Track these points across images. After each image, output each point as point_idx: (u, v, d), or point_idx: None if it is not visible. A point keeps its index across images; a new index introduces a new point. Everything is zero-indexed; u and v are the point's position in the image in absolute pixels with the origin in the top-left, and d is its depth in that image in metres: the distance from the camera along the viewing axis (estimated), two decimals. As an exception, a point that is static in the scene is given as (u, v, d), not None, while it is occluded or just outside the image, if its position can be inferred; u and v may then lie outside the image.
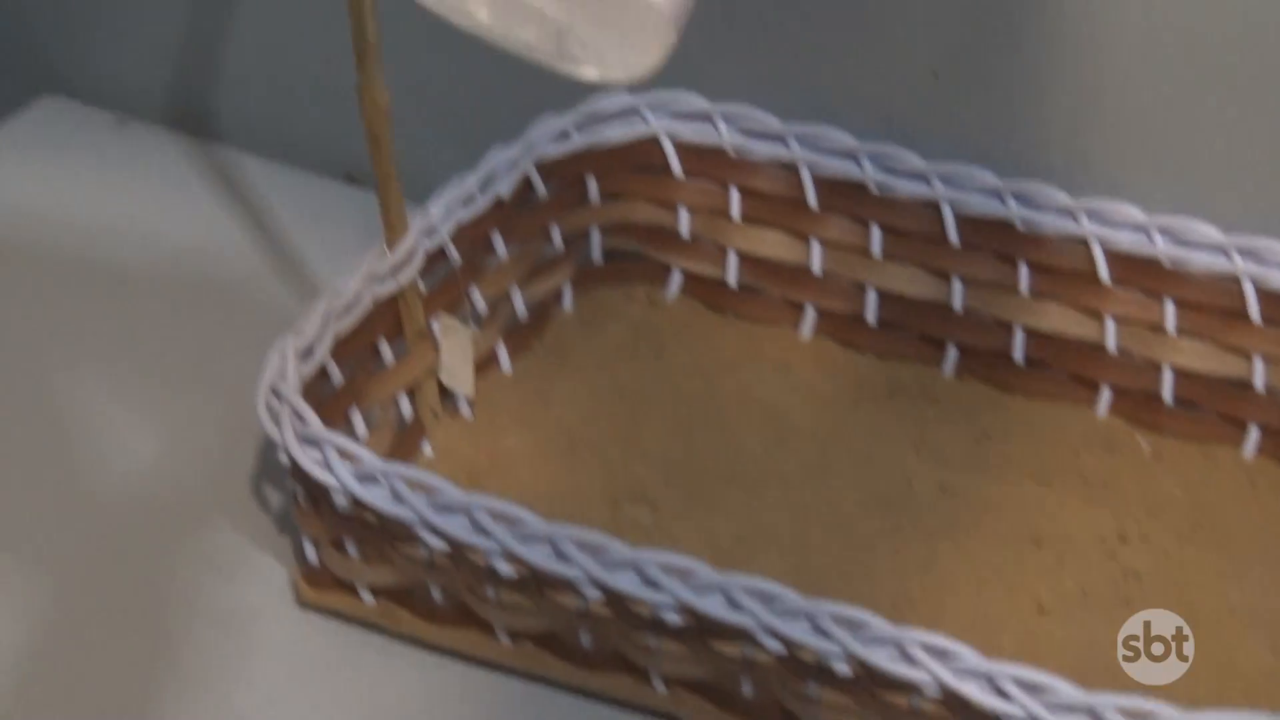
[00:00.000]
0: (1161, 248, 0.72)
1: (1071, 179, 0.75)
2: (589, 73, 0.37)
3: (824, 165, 0.75)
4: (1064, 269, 0.73)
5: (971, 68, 0.78)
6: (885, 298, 0.76)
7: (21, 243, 0.86)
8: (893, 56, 0.79)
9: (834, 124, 0.76)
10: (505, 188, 0.74)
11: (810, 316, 0.78)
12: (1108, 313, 0.73)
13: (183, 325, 0.82)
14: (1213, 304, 0.72)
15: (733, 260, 0.78)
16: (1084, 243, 0.72)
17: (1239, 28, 0.71)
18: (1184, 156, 0.76)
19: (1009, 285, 0.74)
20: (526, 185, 0.75)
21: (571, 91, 0.77)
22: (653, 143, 0.77)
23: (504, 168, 0.74)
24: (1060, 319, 0.74)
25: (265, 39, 0.91)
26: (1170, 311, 0.72)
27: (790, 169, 0.76)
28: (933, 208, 0.74)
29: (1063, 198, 0.73)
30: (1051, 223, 0.73)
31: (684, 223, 0.78)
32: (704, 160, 0.77)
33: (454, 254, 0.72)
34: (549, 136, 0.76)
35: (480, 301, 0.74)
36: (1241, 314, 0.71)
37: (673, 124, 0.77)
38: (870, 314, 0.77)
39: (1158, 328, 0.73)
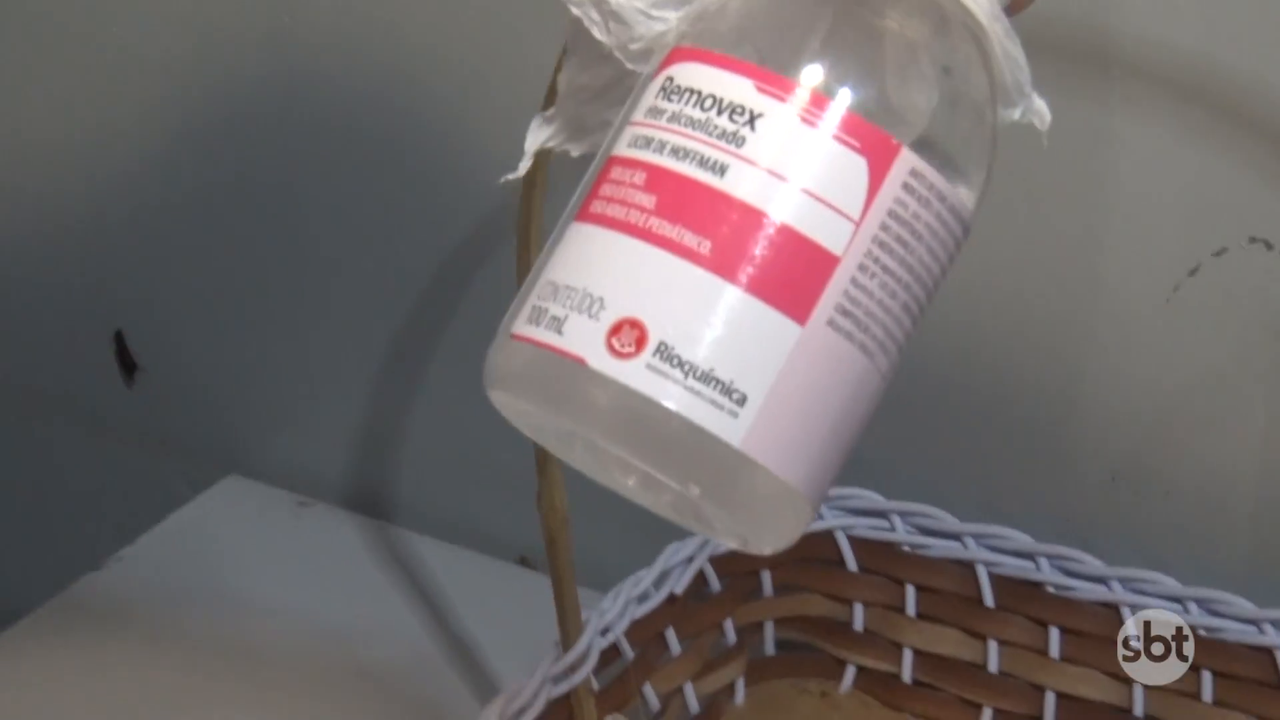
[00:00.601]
0: None
1: (1256, 589, 0.74)
2: (730, 543, 0.37)
3: (1001, 565, 0.76)
4: (1244, 676, 0.73)
5: (1150, 472, 0.79)
6: (1063, 699, 0.76)
7: (199, 620, 0.87)
8: (1071, 459, 0.80)
9: (1011, 524, 0.76)
10: (680, 584, 0.73)
11: (988, 716, 0.77)
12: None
13: (353, 712, 0.82)
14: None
15: (908, 656, 0.78)
16: (1269, 654, 0.72)
17: None
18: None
19: (1190, 692, 0.74)
20: (701, 580, 0.75)
21: None
22: (828, 537, 0.78)
23: (680, 564, 0.74)
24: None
25: (443, 426, 0.93)
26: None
27: (967, 567, 0.77)
28: (1113, 610, 0.74)
29: (1248, 607, 0.72)
30: (1236, 631, 0.72)
31: (859, 617, 0.78)
32: (879, 556, 0.78)
33: (628, 651, 0.71)
34: None
35: (653, 697, 0.73)
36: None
37: (849, 519, 0.78)
38: (1049, 716, 0.76)
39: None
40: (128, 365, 1.02)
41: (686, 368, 0.33)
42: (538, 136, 0.41)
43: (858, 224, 0.34)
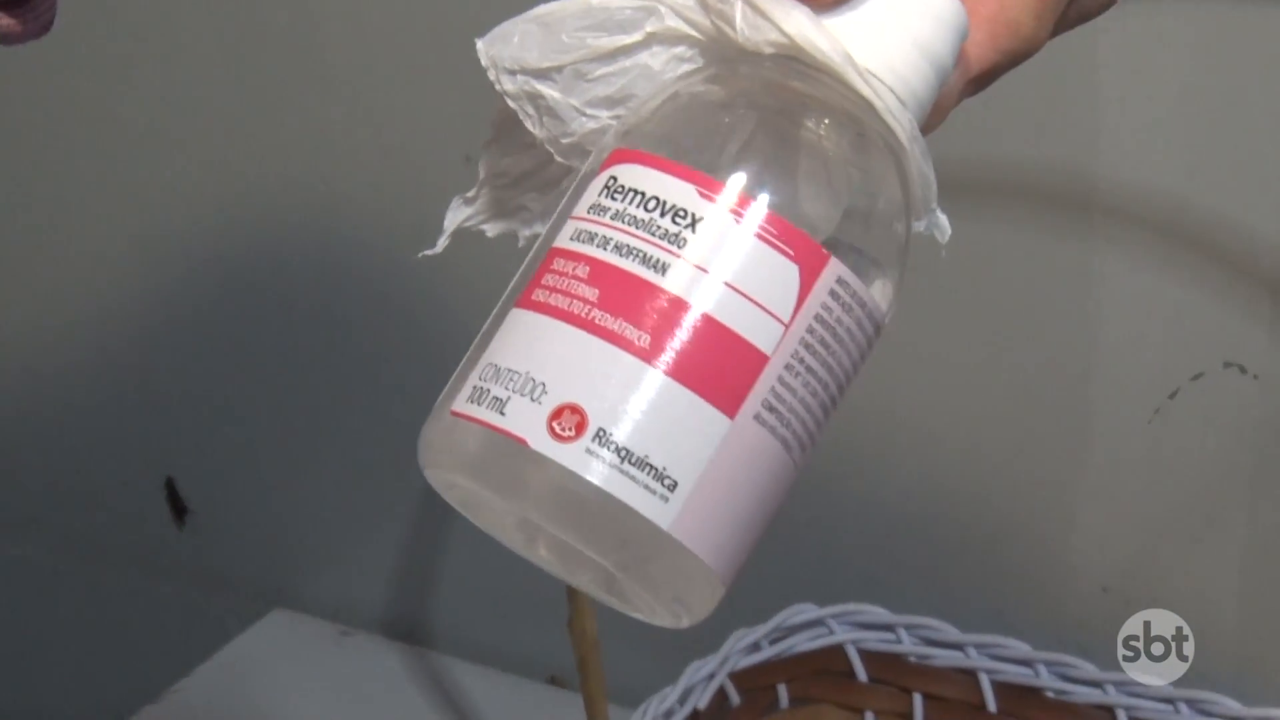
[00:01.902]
0: None
1: (1243, 688, 0.74)
2: (639, 616, 0.36)
3: (1002, 672, 0.75)
4: None
5: (1140, 584, 0.79)
6: None
7: None
8: (1066, 573, 0.80)
9: (1011, 634, 0.75)
10: (703, 700, 0.72)
11: None
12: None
13: None
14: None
15: None
16: None
17: None
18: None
19: None
20: (722, 695, 0.74)
21: (764, 607, 0.77)
22: (839, 651, 0.77)
23: (701, 681, 0.73)
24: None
25: (474, 556, 0.92)
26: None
27: (970, 675, 0.76)
28: (1108, 711, 0.74)
29: (1234, 705, 0.72)
30: None
31: None
32: (887, 667, 0.77)
33: None
34: (743, 649, 0.75)
35: None
36: None
37: (858, 633, 0.77)
38: None
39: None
40: (179, 509, 1.03)
41: (623, 453, 0.33)
42: (457, 215, 0.40)
43: (787, 326, 0.34)
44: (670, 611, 0.35)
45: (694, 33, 0.36)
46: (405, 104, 0.87)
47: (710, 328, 0.33)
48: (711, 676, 0.74)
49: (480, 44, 0.37)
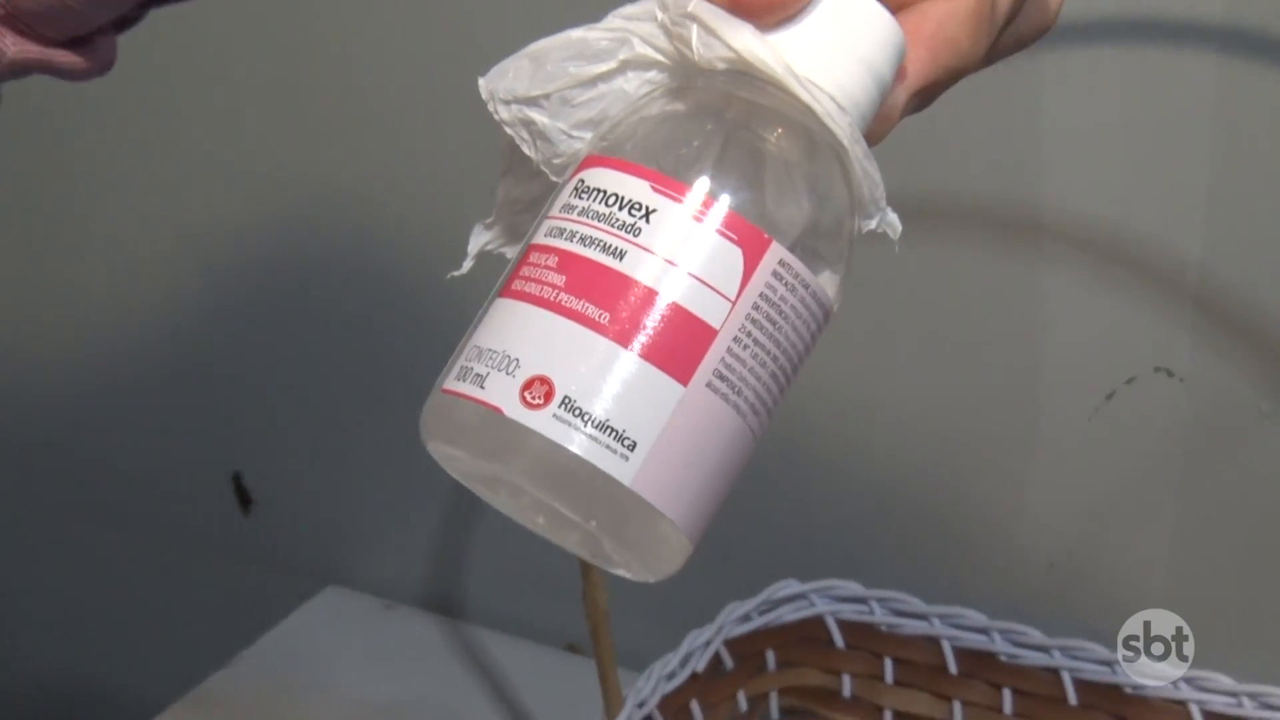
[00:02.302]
0: (1248, 709, 0.70)
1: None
2: (621, 573, 0.36)
3: (962, 639, 0.75)
4: None
5: (1081, 561, 0.79)
6: None
7: (309, 705, 0.88)
8: (1017, 551, 0.80)
9: (969, 605, 0.76)
10: (700, 664, 0.73)
11: None
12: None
13: None
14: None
15: (888, 717, 0.77)
16: (1181, 703, 0.71)
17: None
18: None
19: None
20: (717, 660, 0.74)
21: (753, 582, 0.77)
22: (819, 621, 0.77)
23: (699, 648, 0.73)
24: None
25: (502, 539, 0.92)
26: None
27: (933, 642, 0.76)
28: (1054, 673, 0.73)
29: (1166, 669, 0.70)
30: (1155, 690, 0.72)
31: (846, 686, 0.77)
32: (862, 635, 0.77)
33: None
34: (735, 620, 0.75)
35: None
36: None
37: (835, 606, 0.77)
38: None
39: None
40: (244, 500, 1.04)
41: (586, 418, 0.32)
42: (478, 240, 0.40)
43: (733, 303, 0.33)
44: (644, 566, 0.35)
45: (660, 57, 0.36)
46: (442, 138, 0.86)
47: (663, 304, 0.33)
48: (708, 644, 0.74)
49: (481, 80, 0.37)
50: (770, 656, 0.78)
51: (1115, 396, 0.75)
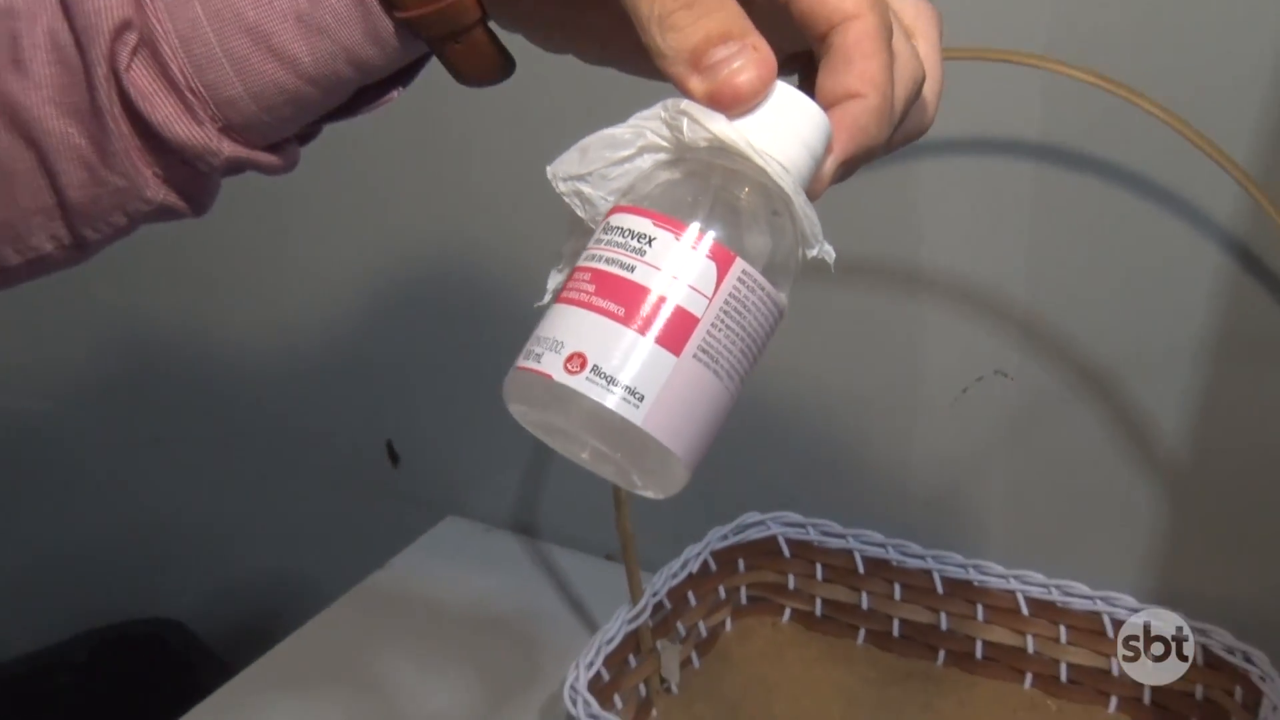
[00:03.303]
0: (1055, 595, 0.71)
1: (1011, 555, 0.75)
2: (647, 494, 0.35)
3: (868, 551, 0.77)
4: (1002, 607, 0.73)
5: (947, 500, 0.79)
6: (904, 624, 0.77)
7: (433, 598, 0.87)
8: (902, 491, 0.80)
9: (871, 527, 0.77)
10: (694, 567, 0.76)
11: (861, 633, 0.79)
12: (1028, 632, 0.72)
13: (513, 646, 0.82)
14: (1088, 628, 0.71)
15: (819, 603, 0.79)
16: (1010, 592, 0.72)
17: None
18: (1071, 544, 0.77)
19: (970, 616, 0.74)
20: (705, 565, 0.77)
21: (728, 512, 0.78)
22: (774, 540, 0.79)
23: (694, 557, 0.76)
24: (1001, 635, 0.73)
25: (564, 481, 0.93)
26: (1063, 631, 0.71)
27: (848, 553, 0.77)
28: (927, 574, 0.75)
29: (999, 568, 0.73)
30: (996, 581, 0.73)
31: (791, 582, 0.79)
32: (802, 548, 0.79)
33: (667, 605, 0.74)
34: (717, 539, 0.78)
35: (681, 629, 0.76)
36: (1105, 634, 0.70)
37: (784, 529, 0.79)
38: (895, 632, 0.77)
39: (1059, 640, 0.72)
40: (394, 458, 1.02)
41: (609, 380, 0.32)
42: (553, 281, 0.38)
43: (710, 299, 0.33)
44: (659, 486, 0.35)
45: (664, 143, 0.36)
46: (531, 210, 0.83)
47: (662, 301, 0.33)
48: (699, 555, 0.77)
49: (548, 167, 0.36)
50: (740, 563, 0.80)
51: (969, 389, 0.76)
